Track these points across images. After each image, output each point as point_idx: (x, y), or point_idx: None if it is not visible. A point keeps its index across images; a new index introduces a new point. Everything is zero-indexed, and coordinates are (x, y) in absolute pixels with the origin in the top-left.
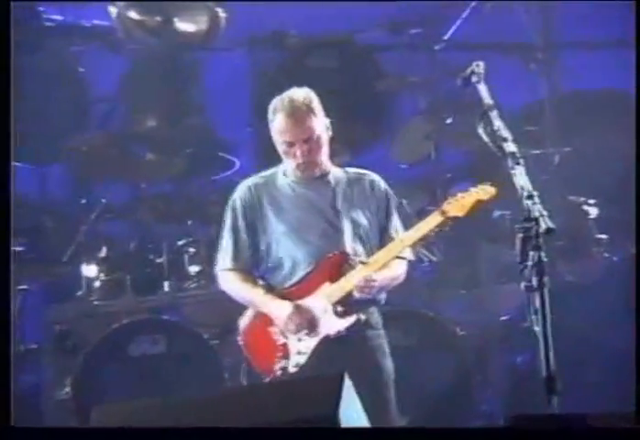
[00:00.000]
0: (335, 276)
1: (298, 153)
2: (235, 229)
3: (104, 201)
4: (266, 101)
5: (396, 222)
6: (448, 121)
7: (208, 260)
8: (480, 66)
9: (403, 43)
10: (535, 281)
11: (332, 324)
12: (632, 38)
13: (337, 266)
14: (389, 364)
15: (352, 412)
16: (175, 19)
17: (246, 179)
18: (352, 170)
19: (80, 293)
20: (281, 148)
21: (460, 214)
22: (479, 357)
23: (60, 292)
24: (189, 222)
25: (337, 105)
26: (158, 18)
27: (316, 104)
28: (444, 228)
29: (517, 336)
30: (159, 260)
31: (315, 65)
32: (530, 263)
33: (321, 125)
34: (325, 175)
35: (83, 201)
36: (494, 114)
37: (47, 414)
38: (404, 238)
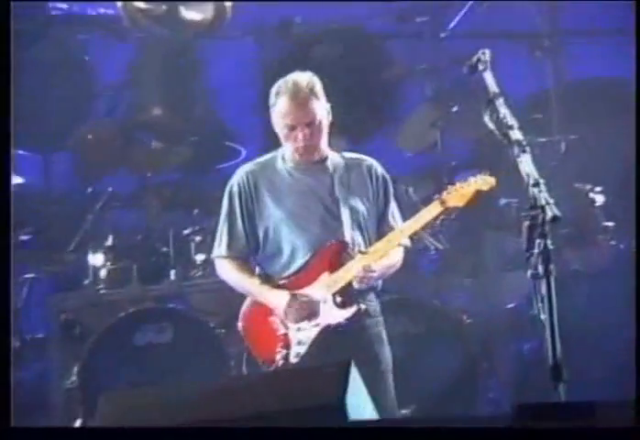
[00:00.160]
0: (334, 265)
1: (299, 136)
2: (231, 215)
3: (110, 189)
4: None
5: (394, 208)
6: (454, 109)
7: None
8: (485, 54)
9: (410, 31)
10: (541, 269)
11: (332, 315)
12: (635, 27)
13: (336, 255)
14: (387, 352)
15: (359, 400)
16: (181, 8)
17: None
18: (350, 155)
19: (86, 282)
20: (282, 131)
21: (460, 204)
22: (485, 345)
23: (67, 281)
24: (195, 211)
25: (344, 94)
26: (163, 7)
27: (319, 87)
28: (447, 217)
29: (523, 324)
30: (165, 249)
31: (322, 54)
32: (536, 251)
33: (323, 109)
34: (323, 160)
35: (90, 189)
36: (500, 102)
37: (53, 403)
38: (404, 228)
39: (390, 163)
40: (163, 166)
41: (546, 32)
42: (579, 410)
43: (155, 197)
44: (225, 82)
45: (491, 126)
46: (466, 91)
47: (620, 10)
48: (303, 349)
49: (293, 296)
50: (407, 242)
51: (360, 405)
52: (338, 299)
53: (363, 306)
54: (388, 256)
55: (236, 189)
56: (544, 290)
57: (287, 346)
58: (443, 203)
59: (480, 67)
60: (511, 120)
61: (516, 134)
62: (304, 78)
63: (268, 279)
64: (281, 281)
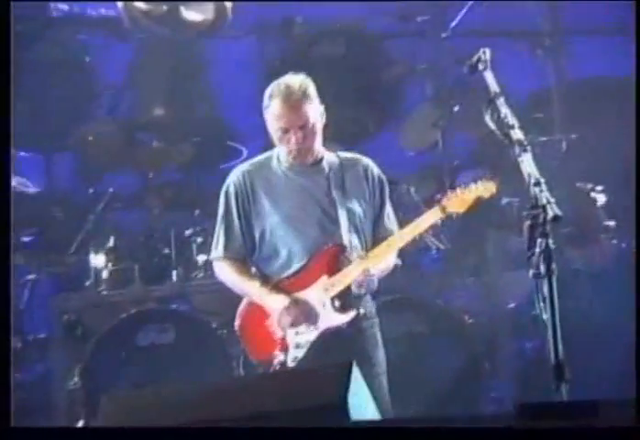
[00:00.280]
0: (332, 268)
1: (292, 140)
2: (228, 216)
3: (111, 190)
4: None
5: (389, 210)
6: (456, 108)
7: None
8: (486, 53)
9: (411, 31)
10: (542, 269)
11: (332, 319)
12: (635, 26)
13: (334, 258)
14: (382, 354)
15: (361, 400)
16: (182, 8)
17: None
18: (345, 154)
19: (88, 283)
20: (275, 134)
21: (460, 210)
22: (488, 344)
23: (69, 282)
24: (196, 211)
25: (345, 93)
26: (164, 7)
27: (312, 90)
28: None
29: (525, 324)
30: (166, 250)
31: (323, 53)
32: (537, 250)
33: (316, 111)
34: (318, 162)
35: (91, 190)
36: (501, 101)
37: (56, 404)
38: (404, 233)
39: (391, 163)
40: (165, 166)
41: (548, 31)
42: (581, 409)
43: (157, 198)
44: (226, 82)
45: (492, 125)
46: (467, 90)
47: (621, 9)
48: (301, 353)
49: (291, 301)
50: (398, 261)
51: (362, 405)
52: (338, 303)
53: (362, 310)
54: (385, 260)
55: (232, 189)
56: (545, 289)
57: (285, 349)
58: (443, 208)
59: (481, 66)
60: (512, 119)
61: (517, 133)
62: (297, 80)
63: (265, 280)
64: (280, 283)
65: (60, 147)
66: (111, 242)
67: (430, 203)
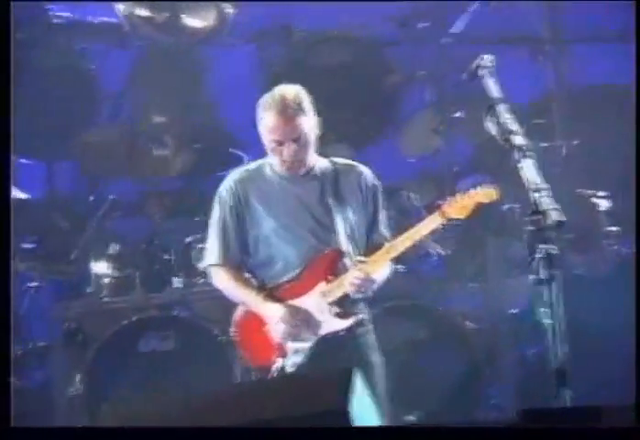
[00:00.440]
0: (330, 274)
1: (286, 152)
2: (222, 223)
3: (112, 197)
4: None
5: (383, 217)
6: (456, 114)
7: None
8: (486, 59)
9: (410, 37)
10: (543, 274)
11: (331, 325)
12: (634, 33)
13: (332, 264)
14: (378, 360)
15: (362, 407)
16: (182, 16)
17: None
18: (339, 161)
19: (89, 290)
20: (269, 145)
21: (461, 216)
22: (489, 350)
23: (70, 289)
24: (197, 218)
25: (345, 100)
26: (165, 15)
27: (306, 102)
28: (448, 223)
29: (527, 330)
30: (167, 257)
31: (323, 60)
32: (538, 256)
33: (310, 124)
34: (310, 170)
35: (92, 198)
36: (501, 107)
37: (57, 411)
38: (404, 239)
39: (392, 169)
40: (166, 173)
41: (549, 37)
42: (583, 415)
43: (157, 205)
44: (227, 89)
45: (493, 131)
46: (467, 96)
47: (623, 16)
48: (300, 358)
49: (289, 310)
50: (399, 267)
51: (363, 412)
52: (337, 309)
53: (361, 316)
54: (384, 265)
55: (226, 196)
56: (546, 295)
57: (283, 354)
58: (443, 214)
59: (480, 73)
60: (512, 125)
61: (518, 139)
62: (292, 92)
63: (263, 287)
64: (277, 290)
65: (61, 154)
66: (112, 249)
67: (431, 208)
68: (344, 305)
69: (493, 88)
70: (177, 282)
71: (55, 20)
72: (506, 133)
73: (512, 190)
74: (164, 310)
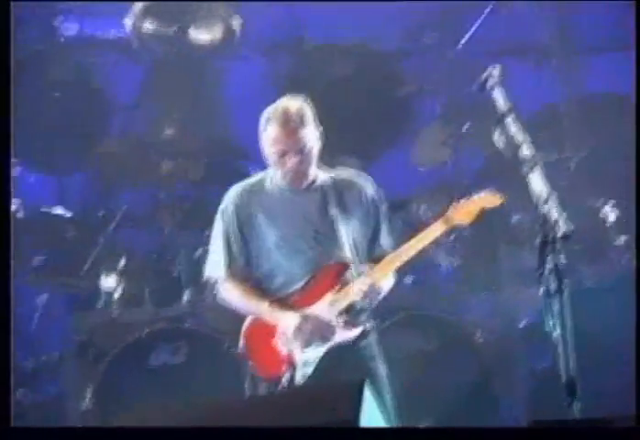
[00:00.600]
0: (337, 284)
1: (288, 164)
2: (226, 235)
3: (123, 209)
4: None
5: (385, 229)
6: (465, 127)
7: None
8: (494, 71)
9: (420, 49)
10: (553, 286)
11: (340, 335)
12: (635, 41)
13: (339, 274)
14: (384, 370)
15: (372, 420)
16: (190, 29)
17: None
18: (340, 174)
19: (100, 304)
20: (271, 157)
21: (465, 221)
22: (499, 361)
23: (81, 303)
24: (206, 231)
25: (355, 111)
26: (173, 28)
27: (309, 114)
28: (459, 234)
29: (538, 341)
30: (177, 269)
31: (333, 72)
32: (548, 267)
33: (313, 136)
34: (312, 183)
35: (102, 212)
36: (510, 119)
37: (68, 424)
38: (409, 247)
39: (402, 181)
40: (176, 185)
41: (556, 48)
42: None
43: (167, 217)
44: (237, 101)
45: (501, 143)
46: (477, 108)
47: (630, 25)
48: (309, 370)
49: (304, 318)
50: (409, 277)
51: (373, 424)
52: (345, 319)
53: (368, 325)
54: (389, 275)
55: (230, 209)
56: (556, 306)
57: (292, 366)
58: (447, 220)
59: (489, 84)
60: (521, 137)
61: (526, 151)
62: (295, 105)
63: (272, 298)
64: (287, 300)
65: (71, 168)
66: (122, 263)
67: (436, 217)
68: (352, 315)
69: (502, 100)
70: (187, 295)
71: (65, 33)
72: (514, 145)
73: (521, 201)
74: (175, 323)
